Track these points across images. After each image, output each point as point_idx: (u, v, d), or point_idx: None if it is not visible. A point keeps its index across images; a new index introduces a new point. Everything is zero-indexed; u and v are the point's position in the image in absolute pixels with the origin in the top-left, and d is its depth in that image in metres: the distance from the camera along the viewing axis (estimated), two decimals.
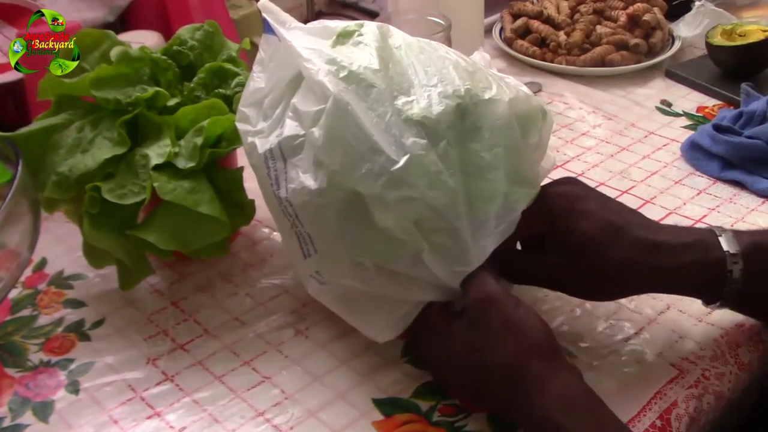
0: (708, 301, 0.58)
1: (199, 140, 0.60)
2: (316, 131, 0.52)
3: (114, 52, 0.64)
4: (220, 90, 0.66)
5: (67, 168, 0.60)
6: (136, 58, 0.65)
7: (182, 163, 0.60)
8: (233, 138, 0.63)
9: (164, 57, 0.67)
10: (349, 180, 0.51)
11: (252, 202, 0.66)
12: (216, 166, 0.63)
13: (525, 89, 0.59)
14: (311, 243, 0.56)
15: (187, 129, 0.62)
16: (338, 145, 0.51)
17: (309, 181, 0.53)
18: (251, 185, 0.64)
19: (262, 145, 0.56)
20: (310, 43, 0.56)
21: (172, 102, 0.64)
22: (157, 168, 0.59)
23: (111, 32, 0.68)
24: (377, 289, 0.55)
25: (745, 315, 0.61)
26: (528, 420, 0.49)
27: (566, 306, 0.63)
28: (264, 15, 0.58)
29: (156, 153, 0.60)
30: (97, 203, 0.59)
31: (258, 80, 0.59)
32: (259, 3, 0.59)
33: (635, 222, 0.56)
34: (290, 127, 0.55)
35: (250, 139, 0.57)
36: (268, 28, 0.58)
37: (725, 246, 0.54)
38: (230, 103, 0.65)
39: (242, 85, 0.66)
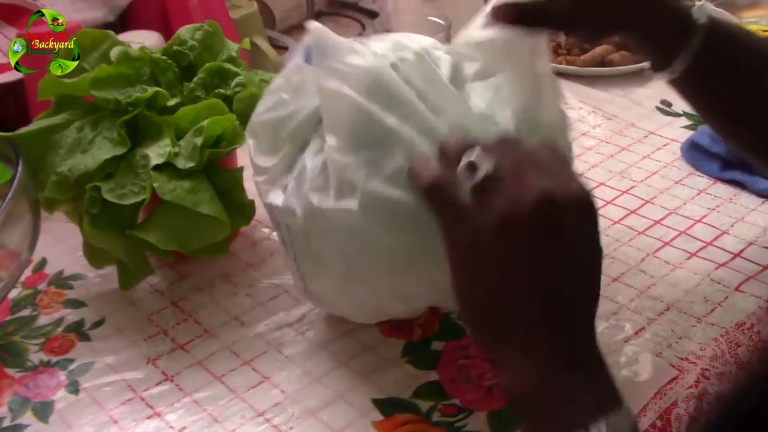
0: (665, 59, 0.59)
1: (199, 140, 0.60)
2: None
3: (114, 52, 0.64)
4: (220, 90, 0.66)
5: (67, 168, 0.60)
6: (136, 58, 0.65)
7: (182, 163, 0.60)
8: (233, 138, 0.63)
9: (164, 57, 0.67)
10: None
11: (252, 202, 0.66)
12: (216, 167, 0.63)
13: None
14: (304, 283, 0.57)
15: (187, 129, 0.62)
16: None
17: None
18: (251, 185, 0.64)
19: (271, 194, 0.55)
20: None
21: (172, 102, 0.64)
22: (157, 168, 0.59)
23: (111, 32, 0.68)
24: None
25: (690, 100, 0.64)
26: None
27: None
28: (311, 43, 0.51)
29: (156, 153, 0.60)
30: (97, 203, 0.59)
31: (279, 100, 0.56)
32: (310, 26, 0.51)
33: None
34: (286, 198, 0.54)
35: (257, 161, 0.56)
36: (308, 58, 0.52)
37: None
38: (230, 103, 0.65)
39: (242, 85, 0.66)
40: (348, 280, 0.53)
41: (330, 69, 0.49)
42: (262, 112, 0.56)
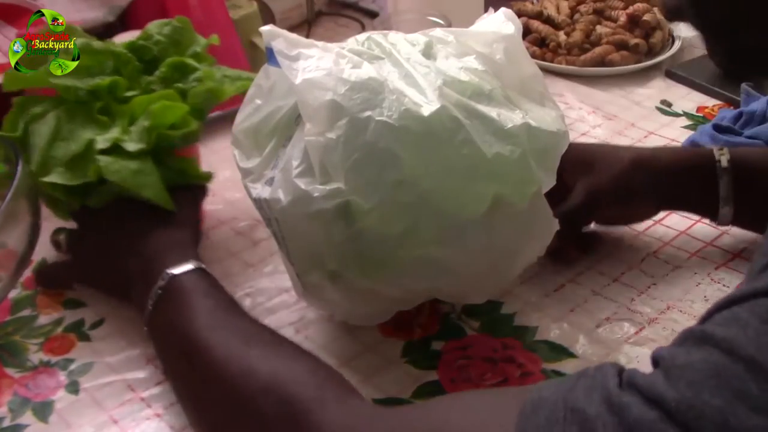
0: (711, 211, 0.66)
1: (147, 122, 0.61)
2: None
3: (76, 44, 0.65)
4: (179, 84, 0.66)
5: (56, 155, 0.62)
6: (98, 50, 0.66)
7: (132, 146, 0.61)
8: (185, 125, 0.64)
9: (125, 51, 0.67)
10: None
11: (210, 173, 0.68)
12: (171, 154, 0.64)
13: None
14: (300, 279, 0.57)
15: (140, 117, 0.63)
16: None
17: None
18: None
19: (258, 189, 0.56)
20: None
21: (129, 93, 0.65)
22: (107, 152, 0.60)
23: (77, 27, 0.68)
24: None
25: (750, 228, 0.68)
26: None
27: (566, 306, 0.63)
28: (270, 44, 0.53)
29: (103, 138, 0.61)
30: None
31: (255, 107, 0.58)
32: (262, 30, 0.54)
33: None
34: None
35: (242, 165, 0.57)
36: (272, 60, 0.54)
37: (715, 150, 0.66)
38: (185, 96, 0.65)
39: (199, 80, 0.66)
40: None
41: (292, 69, 0.51)
42: (240, 121, 0.57)
